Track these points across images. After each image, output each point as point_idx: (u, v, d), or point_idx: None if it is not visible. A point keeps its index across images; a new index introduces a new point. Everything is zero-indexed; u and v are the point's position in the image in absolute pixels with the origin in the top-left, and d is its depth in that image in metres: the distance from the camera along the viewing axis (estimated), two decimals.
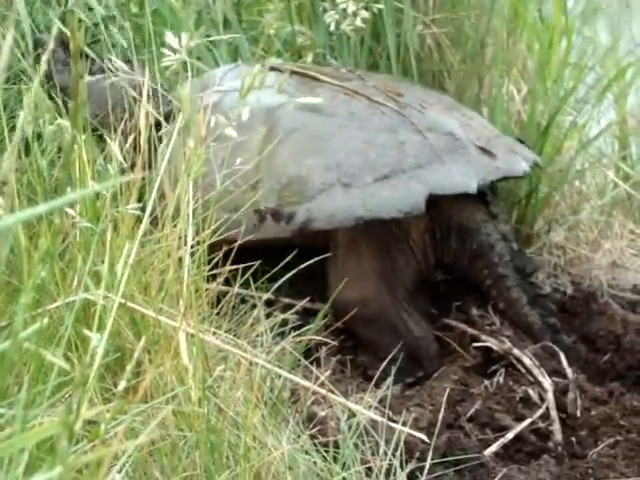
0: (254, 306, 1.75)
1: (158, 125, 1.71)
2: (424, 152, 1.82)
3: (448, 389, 1.78)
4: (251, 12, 2.68)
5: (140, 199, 1.57)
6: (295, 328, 1.75)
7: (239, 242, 1.63)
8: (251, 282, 1.71)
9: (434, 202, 1.81)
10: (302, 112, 1.87)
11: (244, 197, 1.77)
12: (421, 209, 1.78)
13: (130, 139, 1.57)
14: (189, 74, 1.68)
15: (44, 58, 1.29)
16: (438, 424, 1.69)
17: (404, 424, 1.66)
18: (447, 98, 2.04)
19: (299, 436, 1.54)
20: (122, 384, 1.01)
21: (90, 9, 2.20)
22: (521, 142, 1.99)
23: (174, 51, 1.54)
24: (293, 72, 1.98)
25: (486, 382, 1.81)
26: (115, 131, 1.66)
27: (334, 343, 1.83)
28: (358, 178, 1.79)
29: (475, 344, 1.86)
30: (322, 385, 1.62)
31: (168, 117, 1.81)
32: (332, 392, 1.61)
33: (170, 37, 1.53)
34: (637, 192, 2.31)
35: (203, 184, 1.59)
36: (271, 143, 1.81)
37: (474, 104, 2.18)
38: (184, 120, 1.48)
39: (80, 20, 2.17)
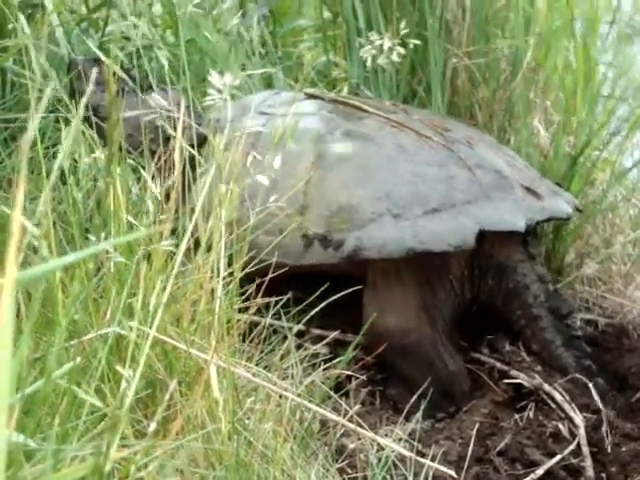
0: (285, 337, 1.75)
1: (192, 146, 1.72)
2: (473, 188, 1.83)
3: (478, 423, 1.78)
4: (286, 42, 2.70)
5: (174, 231, 1.59)
6: (326, 360, 1.76)
7: (272, 272, 1.64)
8: (282, 314, 1.72)
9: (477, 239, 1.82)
10: (351, 141, 1.88)
11: (289, 221, 1.79)
12: (471, 244, 1.79)
13: (166, 175, 1.58)
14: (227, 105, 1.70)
15: (87, 93, 1.31)
16: (467, 458, 1.69)
17: (433, 458, 1.67)
18: (489, 137, 2.05)
19: (328, 470, 1.54)
20: (153, 425, 1.02)
21: (127, 38, 2.23)
22: (559, 186, 1.99)
23: (217, 90, 1.56)
24: (336, 101, 2.00)
25: (516, 417, 1.80)
26: (149, 156, 1.67)
27: (363, 378, 1.83)
28: (408, 210, 1.80)
29: (506, 380, 1.86)
30: (351, 418, 1.63)
31: (203, 142, 1.82)
32: (361, 425, 1.62)
33: (214, 76, 1.55)
34: None
35: (243, 208, 1.62)
36: (320, 169, 1.83)
37: (502, 136, 2.19)
38: (216, 167, 1.50)
39: (122, 48, 2.20)
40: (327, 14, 2.60)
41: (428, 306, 1.85)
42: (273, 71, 2.43)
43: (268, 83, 2.48)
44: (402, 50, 2.12)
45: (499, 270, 1.90)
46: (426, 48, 2.22)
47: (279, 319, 1.74)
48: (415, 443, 1.73)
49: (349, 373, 1.75)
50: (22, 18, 1.85)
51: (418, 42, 2.17)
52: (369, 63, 2.16)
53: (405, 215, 1.80)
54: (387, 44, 2.12)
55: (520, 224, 1.82)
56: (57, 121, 2.09)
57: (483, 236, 1.82)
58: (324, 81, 2.46)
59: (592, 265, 2.17)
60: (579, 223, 2.20)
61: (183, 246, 1.45)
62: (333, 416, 1.53)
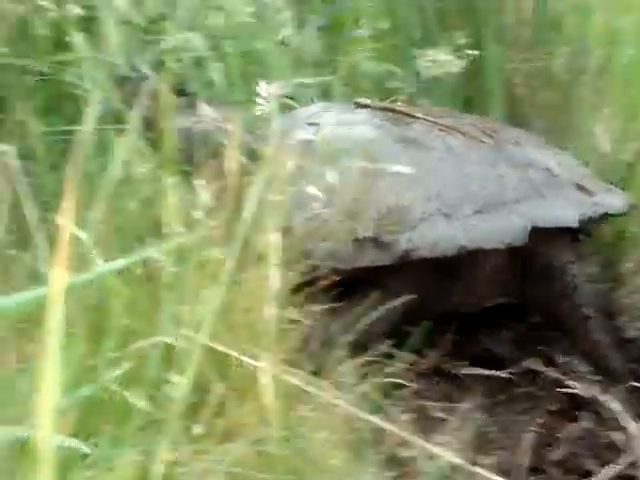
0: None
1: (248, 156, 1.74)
2: (523, 186, 1.85)
3: (533, 433, 1.77)
4: (343, 52, 2.71)
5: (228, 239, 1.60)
6: (378, 368, 1.76)
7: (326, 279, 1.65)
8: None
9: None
10: (399, 146, 1.91)
11: (341, 227, 1.82)
12: (523, 241, 1.80)
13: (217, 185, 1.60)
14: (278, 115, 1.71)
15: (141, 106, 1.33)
16: (522, 468, 1.68)
17: (488, 467, 1.66)
18: (539, 138, 2.06)
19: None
20: (198, 428, 1.03)
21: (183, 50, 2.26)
22: (610, 183, 1.99)
23: (265, 99, 1.57)
24: (385, 109, 2.02)
25: (571, 426, 1.79)
26: (201, 167, 1.69)
27: (415, 385, 1.83)
28: (458, 209, 1.82)
29: (561, 389, 1.84)
30: (404, 426, 1.63)
31: (255, 156, 1.84)
32: (414, 434, 1.62)
33: (261, 85, 1.56)
34: None
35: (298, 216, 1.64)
36: (370, 175, 1.85)
37: (561, 142, 2.18)
38: (267, 174, 1.51)
39: (179, 60, 2.23)
40: (383, 24, 2.61)
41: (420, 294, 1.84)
42: (330, 79, 2.45)
43: (325, 93, 2.49)
44: (459, 63, 2.12)
45: (547, 271, 1.91)
46: (483, 56, 2.21)
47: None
48: (469, 453, 1.72)
49: (401, 382, 1.75)
50: (77, 33, 1.87)
51: (475, 52, 2.16)
52: (425, 74, 2.16)
53: (456, 214, 1.82)
54: (443, 58, 2.11)
55: (572, 220, 1.83)
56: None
57: (530, 236, 1.82)
58: (380, 90, 2.47)
59: None
60: (637, 231, 2.18)
61: (235, 254, 1.46)
62: (385, 424, 1.53)
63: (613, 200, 1.91)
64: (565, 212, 1.84)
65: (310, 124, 1.95)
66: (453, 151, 1.89)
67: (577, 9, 2.20)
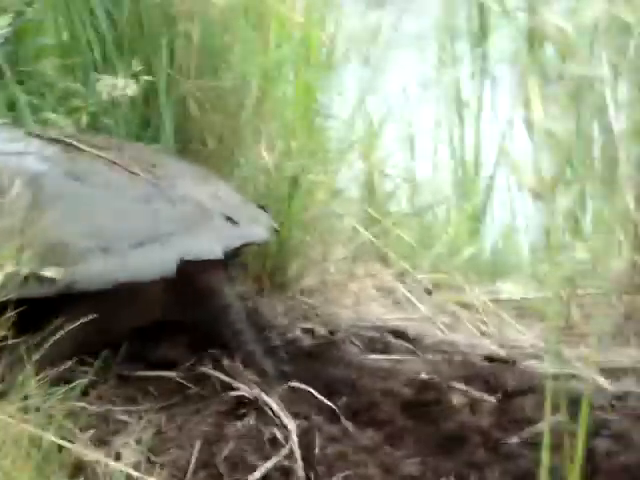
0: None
1: None
2: (175, 221, 2.08)
3: (205, 432, 1.99)
4: (28, 64, 2.78)
5: None
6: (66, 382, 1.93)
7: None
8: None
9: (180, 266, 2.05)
10: (65, 180, 2.09)
11: (8, 260, 1.95)
12: (172, 273, 2.02)
13: None
14: None
15: None
16: (195, 465, 1.91)
17: (163, 465, 1.89)
18: (197, 169, 2.30)
19: None
20: None
21: None
22: (262, 208, 2.28)
23: None
24: (55, 140, 2.17)
25: (239, 424, 2.02)
26: None
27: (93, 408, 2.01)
28: (115, 244, 2.02)
29: (229, 392, 2.07)
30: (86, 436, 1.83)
31: None
32: (95, 441, 1.83)
33: None
34: (380, 236, 2.59)
35: None
36: (36, 209, 2.00)
37: (231, 162, 2.41)
38: None
39: None
40: (66, 37, 2.71)
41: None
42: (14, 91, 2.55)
43: (10, 105, 2.58)
44: (135, 87, 2.31)
45: (203, 293, 2.14)
46: (156, 81, 2.40)
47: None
48: (147, 453, 1.93)
49: (82, 405, 1.93)
50: None
51: (149, 78, 2.35)
52: (105, 97, 2.33)
53: (113, 249, 2.01)
54: (121, 82, 2.29)
55: (217, 252, 2.07)
56: None
57: (187, 264, 2.04)
58: (65, 106, 2.59)
59: (312, 278, 2.43)
60: (301, 239, 2.44)
61: None
62: (64, 442, 1.71)
63: (256, 230, 2.18)
64: (211, 245, 2.08)
65: None
66: (114, 186, 2.10)
67: (241, 40, 2.42)
